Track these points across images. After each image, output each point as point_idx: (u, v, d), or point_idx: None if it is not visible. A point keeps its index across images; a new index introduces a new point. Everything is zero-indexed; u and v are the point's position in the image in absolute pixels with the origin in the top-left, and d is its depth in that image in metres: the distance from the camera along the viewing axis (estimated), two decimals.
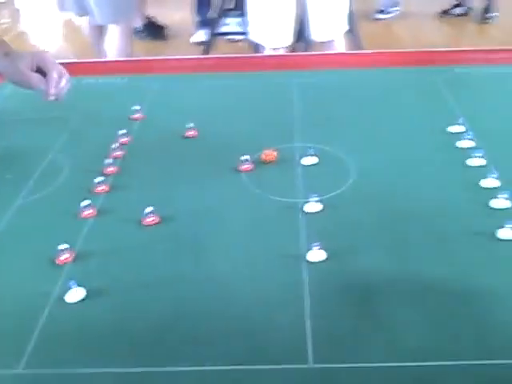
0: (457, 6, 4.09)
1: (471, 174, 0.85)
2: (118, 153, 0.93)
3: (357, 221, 0.75)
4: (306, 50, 2.54)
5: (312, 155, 0.91)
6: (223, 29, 2.88)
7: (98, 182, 0.83)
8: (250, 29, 2.42)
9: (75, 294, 0.66)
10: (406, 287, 0.66)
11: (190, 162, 0.91)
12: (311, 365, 0.57)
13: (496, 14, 3.97)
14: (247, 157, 0.90)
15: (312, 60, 1.33)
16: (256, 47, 2.58)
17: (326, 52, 1.40)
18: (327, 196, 0.81)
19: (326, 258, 0.69)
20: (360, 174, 0.87)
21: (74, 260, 0.71)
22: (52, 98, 0.91)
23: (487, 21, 3.96)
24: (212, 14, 3.03)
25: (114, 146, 0.94)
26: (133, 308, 0.64)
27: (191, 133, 0.98)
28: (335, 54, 1.40)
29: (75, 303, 0.66)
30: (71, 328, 0.61)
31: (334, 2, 2.29)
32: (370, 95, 1.11)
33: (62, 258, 0.72)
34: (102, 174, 0.86)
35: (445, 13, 4.10)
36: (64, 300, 0.66)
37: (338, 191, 0.82)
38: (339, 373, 0.56)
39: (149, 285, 0.67)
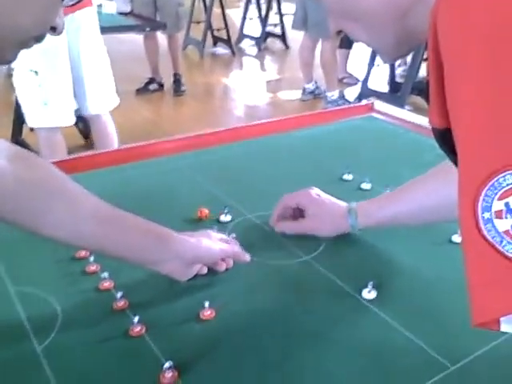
0: (149, 83, 4.45)
1: None
2: None
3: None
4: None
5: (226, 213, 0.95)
6: None
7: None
8: (26, 115, 2.30)
9: None
10: None
11: None
12: None
13: (184, 87, 4.48)
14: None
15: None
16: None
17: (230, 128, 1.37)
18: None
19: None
20: None
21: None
22: None
23: (181, 93, 4.42)
24: None
25: None
26: None
27: None
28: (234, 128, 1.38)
29: None
30: None
31: (105, 77, 2.36)
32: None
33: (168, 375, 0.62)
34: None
35: (140, 91, 4.41)
36: None
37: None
38: None
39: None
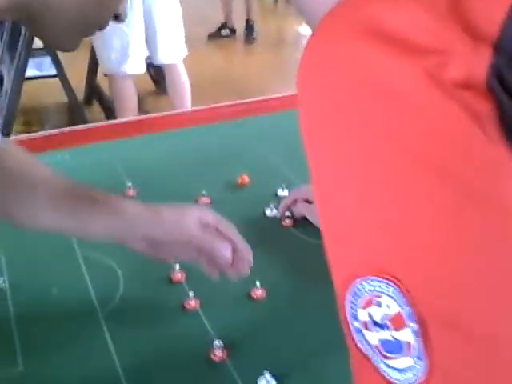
0: (221, 28, 4.43)
1: None
2: None
3: None
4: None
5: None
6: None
7: None
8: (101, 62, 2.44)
9: None
10: None
11: None
12: None
13: (255, 34, 4.42)
14: None
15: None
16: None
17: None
18: None
19: None
20: None
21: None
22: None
23: (253, 40, 4.38)
24: None
25: None
26: None
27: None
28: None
29: None
30: None
31: (177, 27, 2.40)
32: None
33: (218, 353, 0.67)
34: None
35: (212, 36, 4.40)
36: None
37: None
38: None
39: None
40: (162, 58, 2.44)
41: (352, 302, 0.31)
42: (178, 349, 0.68)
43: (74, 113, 2.97)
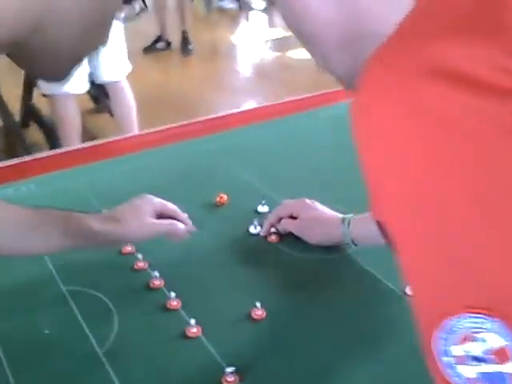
0: (156, 41, 4.37)
1: None
2: None
3: None
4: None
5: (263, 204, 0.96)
6: None
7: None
8: (40, 82, 2.29)
9: None
10: None
11: None
12: None
13: (191, 46, 4.40)
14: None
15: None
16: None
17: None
18: None
19: None
20: None
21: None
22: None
23: (189, 52, 4.35)
24: None
25: None
26: None
27: None
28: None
29: None
30: None
31: (119, 44, 2.34)
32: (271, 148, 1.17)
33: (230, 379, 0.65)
34: None
35: (148, 49, 4.34)
36: None
37: None
38: None
39: None
40: (105, 76, 2.39)
41: (444, 339, 0.31)
42: (187, 377, 0.66)
43: (10, 136, 2.86)
